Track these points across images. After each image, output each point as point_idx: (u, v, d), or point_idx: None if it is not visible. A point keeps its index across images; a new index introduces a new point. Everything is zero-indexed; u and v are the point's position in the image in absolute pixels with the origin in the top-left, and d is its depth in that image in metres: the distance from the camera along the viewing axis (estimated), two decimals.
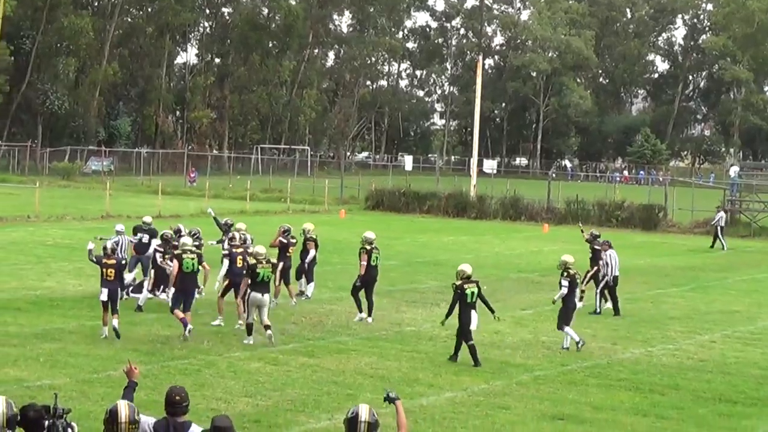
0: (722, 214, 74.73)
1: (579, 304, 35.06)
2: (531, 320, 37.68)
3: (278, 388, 26.06)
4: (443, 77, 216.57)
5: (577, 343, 32.65)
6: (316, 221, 69.96)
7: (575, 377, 28.90)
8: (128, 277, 37.94)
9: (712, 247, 71.82)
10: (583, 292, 39.21)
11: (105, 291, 31.45)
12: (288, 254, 39.28)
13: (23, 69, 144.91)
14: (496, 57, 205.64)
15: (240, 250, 35.79)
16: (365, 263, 36.61)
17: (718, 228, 72.86)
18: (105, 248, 32.80)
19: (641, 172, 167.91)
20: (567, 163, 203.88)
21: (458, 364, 30.00)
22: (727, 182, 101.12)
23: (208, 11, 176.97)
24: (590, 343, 33.84)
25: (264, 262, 32.30)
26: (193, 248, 34.53)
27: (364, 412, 13.69)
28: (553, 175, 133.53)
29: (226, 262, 36.94)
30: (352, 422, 13.70)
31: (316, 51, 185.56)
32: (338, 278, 36.44)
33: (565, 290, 32.98)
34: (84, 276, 42.15)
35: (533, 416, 24.59)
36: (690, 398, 27.05)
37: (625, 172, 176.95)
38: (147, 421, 14.46)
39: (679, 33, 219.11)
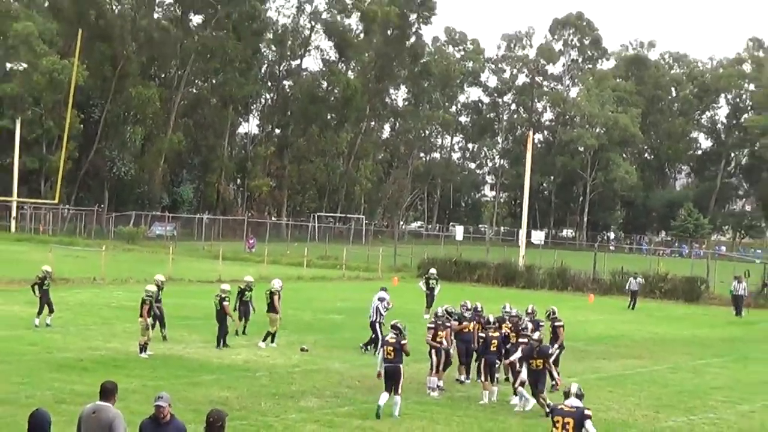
0: (743, 284, 75.73)
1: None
2: None
3: None
4: (494, 150, 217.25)
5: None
6: (371, 288, 69.79)
7: None
8: None
9: (736, 315, 73.35)
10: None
11: None
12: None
13: (92, 136, 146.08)
14: (546, 132, 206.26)
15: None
16: None
17: (739, 297, 74.95)
18: None
19: (683, 246, 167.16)
20: (612, 235, 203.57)
21: (507, 429, 29.95)
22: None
23: (269, 84, 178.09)
24: (635, 411, 33.85)
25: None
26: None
27: None
28: (610, 246, 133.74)
29: None
30: None
31: (373, 123, 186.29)
32: None
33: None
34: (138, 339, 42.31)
35: None
36: None
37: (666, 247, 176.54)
38: None
39: (722, 112, 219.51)
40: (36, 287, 48.22)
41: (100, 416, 17.95)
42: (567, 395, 24.10)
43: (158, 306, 44.60)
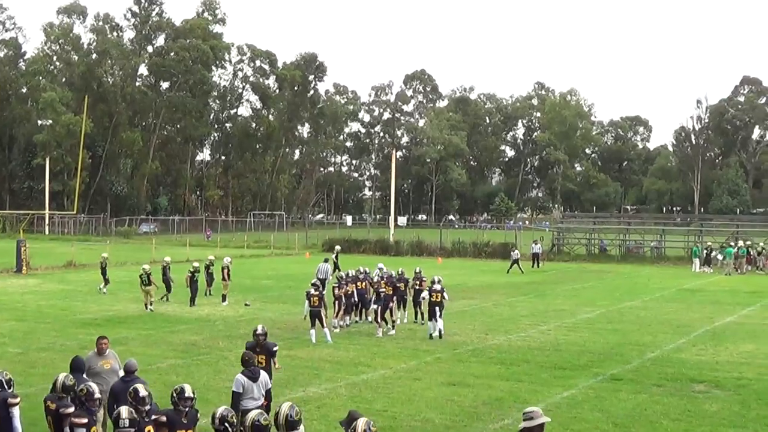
0: (539, 245, 75.58)
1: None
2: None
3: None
4: (370, 164, 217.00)
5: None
6: (290, 261, 68.99)
7: (462, 357, 28.77)
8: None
9: (533, 267, 72.90)
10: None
11: None
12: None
13: (97, 167, 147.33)
14: (404, 150, 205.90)
15: None
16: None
17: (536, 255, 74.55)
18: None
19: (508, 222, 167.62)
20: (451, 217, 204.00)
21: (386, 351, 29.92)
22: (554, 227, 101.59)
23: (216, 126, 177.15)
24: (471, 334, 33.86)
25: None
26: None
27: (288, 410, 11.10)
28: (455, 225, 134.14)
29: None
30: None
31: (287, 149, 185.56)
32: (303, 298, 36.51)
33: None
34: (139, 302, 41.92)
35: (436, 384, 24.41)
36: (536, 367, 27.00)
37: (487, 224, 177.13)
38: (239, 377, 16.39)
39: (520, 131, 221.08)
40: (101, 267, 50.21)
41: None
42: (433, 283, 32.80)
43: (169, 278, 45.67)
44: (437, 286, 33.51)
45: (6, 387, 14.45)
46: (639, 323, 37.90)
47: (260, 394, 16.49)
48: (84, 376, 15.70)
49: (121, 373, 16.62)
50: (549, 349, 30.53)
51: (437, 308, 33.06)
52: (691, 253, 75.45)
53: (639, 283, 59.01)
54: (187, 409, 13.29)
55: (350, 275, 37.79)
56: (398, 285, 37.47)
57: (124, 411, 12.17)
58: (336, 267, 57.31)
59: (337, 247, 66.84)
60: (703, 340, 32.99)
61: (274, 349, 20.43)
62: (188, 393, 13.28)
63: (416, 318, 37.44)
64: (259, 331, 20.33)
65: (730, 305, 45.36)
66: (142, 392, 13.18)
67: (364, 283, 36.87)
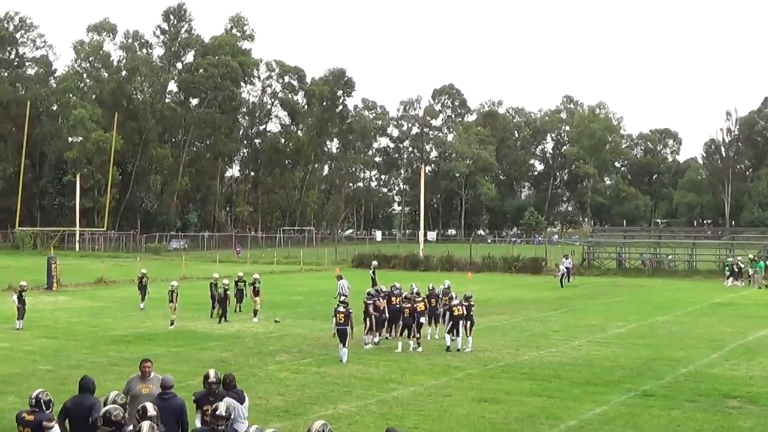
0: (569, 260, 73.83)
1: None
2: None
3: (299, 389, 25.73)
4: (399, 179, 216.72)
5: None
6: (320, 277, 68.95)
7: (493, 373, 28.63)
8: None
9: (563, 283, 70.20)
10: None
11: None
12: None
13: (127, 183, 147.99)
14: (432, 165, 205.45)
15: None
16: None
17: (566, 270, 72.00)
18: None
19: (536, 236, 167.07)
20: (481, 231, 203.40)
21: (416, 368, 29.77)
22: (584, 241, 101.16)
23: (245, 142, 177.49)
24: (502, 350, 33.67)
25: None
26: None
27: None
28: (488, 240, 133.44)
29: None
30: None
31: (316, 165, 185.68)
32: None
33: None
34: (169, 318, 41.92)
35: (467, 400, 24.29)
36: (568, 383, 26.83)
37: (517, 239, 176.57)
38: (230, 401, 14.69)
39: (548, 145, 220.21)
40: (138, 283, 51.66)
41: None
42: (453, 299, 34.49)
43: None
44: (456, 301, 34.96)
45: (44, 408, 14.50)
46: (671, 338, 37.61)
47: (246, 415, 16.30)
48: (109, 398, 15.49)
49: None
50: (580, 365, 30.35)
51: (460, 322, 33.96)
52: (723, 266, 74.76)
53: (670, 298, 58.62)
54: (222, 428, 13.27)
55: (383, 291, 37.62)
56: (429, 300, 37.33)
57: (146, 426, 12.14)
58: (373, 282, 57.32)
59: (375, 263, 66.59)
60: (736, 355, 32.69)
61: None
62: (220, 411, 13.28)
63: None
64: (212, 378, 16.53)
65: (763, 319, 44.96)
66: (151, 411, 13.20)
67: (397, 299, 36.68)
